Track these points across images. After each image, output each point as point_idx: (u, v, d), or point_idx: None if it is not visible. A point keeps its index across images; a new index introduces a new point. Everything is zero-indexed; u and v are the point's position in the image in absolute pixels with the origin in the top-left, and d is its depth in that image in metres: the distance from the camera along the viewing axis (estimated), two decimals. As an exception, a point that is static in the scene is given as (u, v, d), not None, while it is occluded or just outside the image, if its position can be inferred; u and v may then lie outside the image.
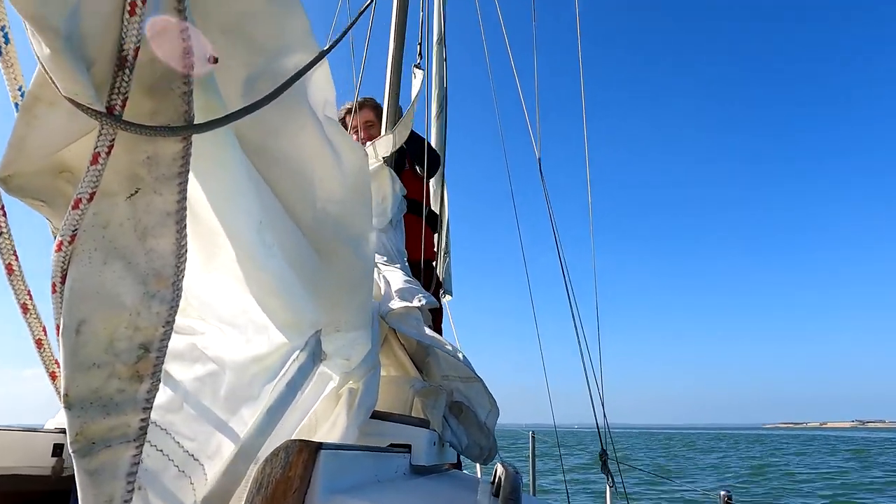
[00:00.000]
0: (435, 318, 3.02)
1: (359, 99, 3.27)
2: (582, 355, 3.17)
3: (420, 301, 2.18)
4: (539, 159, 3.45)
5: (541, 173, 3.49)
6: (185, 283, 1.04)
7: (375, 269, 2.32)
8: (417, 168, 3.43)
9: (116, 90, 0.57)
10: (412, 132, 3.24)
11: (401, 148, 3.13)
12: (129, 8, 0.52)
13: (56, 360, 0.83)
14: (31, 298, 0.79)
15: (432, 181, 3.97)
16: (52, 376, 0.83)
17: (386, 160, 2.94)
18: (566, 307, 3.40)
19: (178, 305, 0.70)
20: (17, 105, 0.71)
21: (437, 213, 3.63)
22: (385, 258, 2.36)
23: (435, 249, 3.56)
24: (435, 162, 3.46)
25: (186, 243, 0.69)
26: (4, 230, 0.74)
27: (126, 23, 0.53)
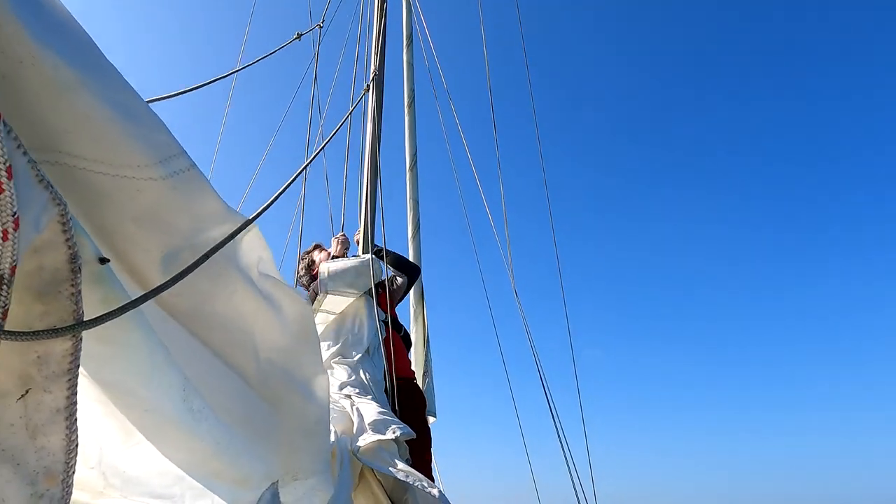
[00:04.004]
0: (423, 442, 2.92)
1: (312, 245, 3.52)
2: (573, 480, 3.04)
3: (395, 433, 2.13)
4: (523, 317, 3.52)
5: (524, 322, 3.53)
6: (106, 463, 1.03)
7: (349, 402, 2.28)
8: (398, 279, 3.48)
9: (-4, 305, 0.60)
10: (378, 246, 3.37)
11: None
12: (1, 235, 0.57)
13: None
14: None
15: (411, 297, 4.01)
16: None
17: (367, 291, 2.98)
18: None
19: (68, 502, 0.69)
20: None
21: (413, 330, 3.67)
22: (358, 389, 2.33)
23: (412, 367, 3.53)
24: (413, 269, 3.53)
25: (77, 437, 0.69)
26: None
27: (0, 247, 0.58)
